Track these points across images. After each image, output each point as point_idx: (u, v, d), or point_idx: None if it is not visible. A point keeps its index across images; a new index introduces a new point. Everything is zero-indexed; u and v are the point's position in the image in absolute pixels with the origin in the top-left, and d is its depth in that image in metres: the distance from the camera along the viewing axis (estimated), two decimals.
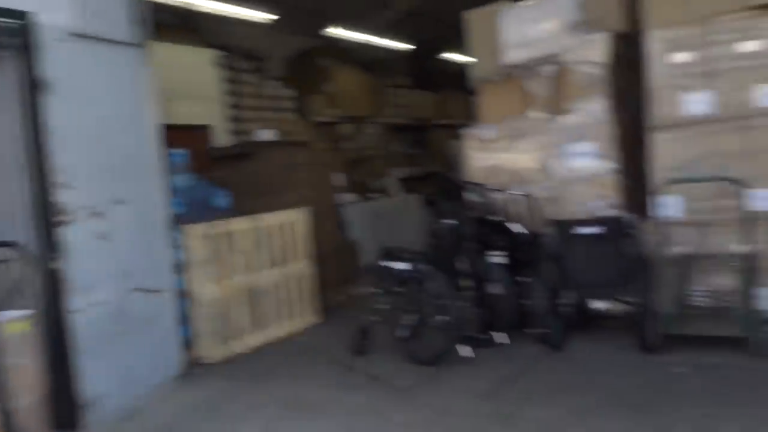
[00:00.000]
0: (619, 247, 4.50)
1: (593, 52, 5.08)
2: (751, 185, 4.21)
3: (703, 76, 4.51)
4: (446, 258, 4.87)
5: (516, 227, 5.09)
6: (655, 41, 4.66)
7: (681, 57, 4.58)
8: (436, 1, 9.98)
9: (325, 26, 9.38)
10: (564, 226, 4.73)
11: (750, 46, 4.36)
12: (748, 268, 4.09)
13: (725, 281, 4.33)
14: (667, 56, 4.62)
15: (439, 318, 4.43)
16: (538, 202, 5.22)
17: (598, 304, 4.77)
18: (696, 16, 4.50)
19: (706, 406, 3.45)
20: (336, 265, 6.61)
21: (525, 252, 4.98)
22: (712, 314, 4.27)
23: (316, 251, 6.07)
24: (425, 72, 12.25)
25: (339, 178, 7.44)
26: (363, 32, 10.00)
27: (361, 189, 8.93)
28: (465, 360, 4.44)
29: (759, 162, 4.32)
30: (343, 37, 9.84)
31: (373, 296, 4.85)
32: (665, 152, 4.68)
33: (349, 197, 7.83)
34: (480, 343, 4.68)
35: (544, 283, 4.63)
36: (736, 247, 4.23)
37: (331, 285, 6.40)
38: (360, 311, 5.08)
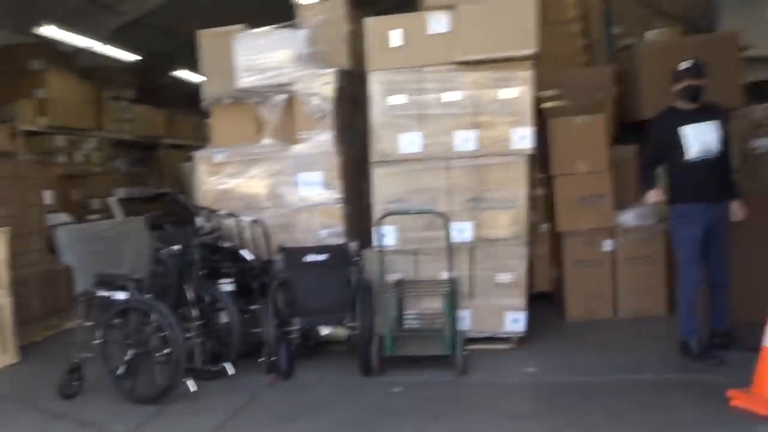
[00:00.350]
0: (344, 274, 4.71)
1: (322, 85, 5.28)
2: (452, 218, 4.73)
3: (415, 118, 4.95)
4: (172, 286, 4.60)
5: (246, 254, 5.02)
6: (375, 82, 5.01)
7: (397, 99, 4.98)
8: (169, 13, 9.52)
9: (38, 23, 8.31)
10: (292, 253, 4.81)
11: (452, 96, 4.91)
12: (451, 292, 4.57)
13: (434, 305, 4.79)
14: (386, 97, 4.99)
15: (162, 351, 4.14)
16: (269, 229, 5.22)
17: (326, 330, 4.92)
18: (410, 64, 4.93)
19: (419, 420, 3.74)
20: (42, 294, 5.83)
21: (255, 279, 4.94)
22: (424, 336, 4.66)
23: (15, 278, 5.28)
24: (156, 87, 11.57)
25: (49, 196, 6.61)
26: (84, 36, 9.08)
27: (78, 209, 8.05)
28: (192, 395, 4.21)
29: (456, 198, 4.88)
30: (59, 39, 8.83)
31: (86, 329, 4.37)
32: (383, 186, 5.04)
33: (62, 217, 6.99)
34: (208, 375, 4.49)
35: (273, 311, 4.63)
36: (442, 273, 4.71)
37: (35, 318, 5.62)
38: (71, 347, 4.53)
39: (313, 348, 4.95)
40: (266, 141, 5.51)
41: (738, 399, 3.54)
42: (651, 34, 6.53)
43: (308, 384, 4.46)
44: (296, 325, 4.69)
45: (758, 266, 4.52)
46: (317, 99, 5.28)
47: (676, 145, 4.25)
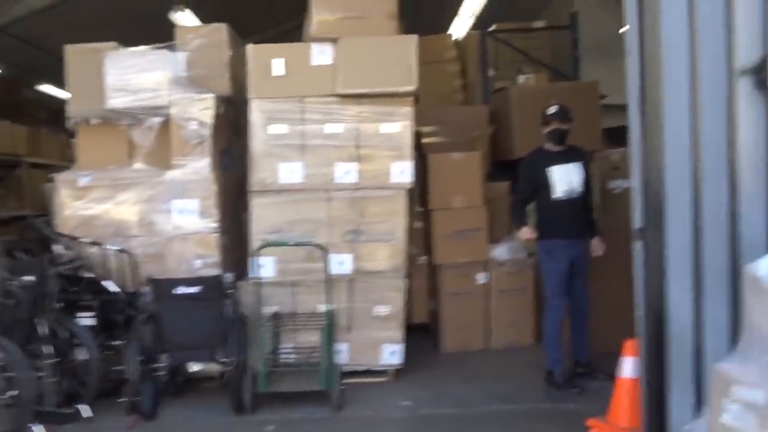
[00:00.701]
0: (217, 307, 4.47)
1: (200, 110, 5.06)
2: (332, 250, 4.65)
3: (297, 148, 4.86)
4: (22, 320, 4.17)
5: (110, 285, 4.66)
6: (257, 110, 4.87)
7: (279, 128, 4.86)
8: (36, 24, 8.83)
9: None
10: (162, 285, 4.51)
11: (335, 128, 4.87)
12: (329, 325, 4.47)
13: (311, 338, 4.66)
14: (268, 126, 4.87)
15: (6, 394, 3.71)
16: (137, 259, 4.88)
17: (196, 366, 4.63)
18: (293, 93, 4.85)
19: None
20: None
21: (119, 312, 4.58)
22: (300, 371, 4.51)
23: None
24: (17, 102, 10.65)
25: None
26: None
27: None
28: None
29: (336, 230, 4.82)
30: None
31: None
32: (262, 215, 4.88)
33: None
34: (61, 418, 4.07)
35: (138, 347, 4.30)
36: (320, 306, 4.61)
37: None
38: None
39: (181, 385, 4.65)
40: (138, 165, 5.19)
41: (596, 427, 3.68)
42: (522, 79, 6.91)
43: (173, 425, 4.17)
44: (163, 362, 4.38)
45: (615, 298, 4.78)
46: (195, 124, 5.05)
47: (544, 184, 4.46)
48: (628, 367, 3.58)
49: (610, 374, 4.17)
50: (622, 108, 7.80)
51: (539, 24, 8.14)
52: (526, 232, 4.54)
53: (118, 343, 4.49)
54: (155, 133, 5.20)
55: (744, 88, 2.64)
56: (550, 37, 7.93)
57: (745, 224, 2.53)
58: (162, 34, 5.34)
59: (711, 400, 2.03)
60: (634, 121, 2.95)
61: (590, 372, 4.54)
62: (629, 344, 3.59)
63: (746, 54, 2.61)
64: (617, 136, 7.33)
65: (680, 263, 2.52)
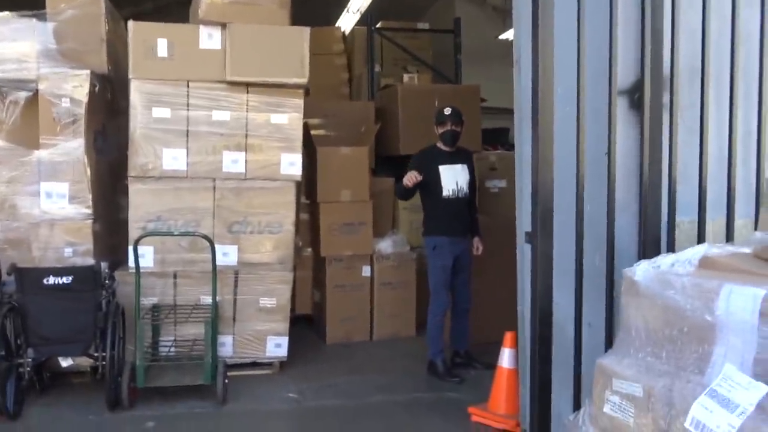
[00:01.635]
0: (91, 298, 4.17)
1: (73, 87, 4.66)
2: (217, 241, 4.49)
3: (181, 134, 4.62)
4: None
5: None
6: (138, 91, 4.58)
7: (163, 112, 4.60)
8: None
9: None
10: (29, 274, 4.12)
11: (222, 115, 4.70)
12: (213, 318, 4.32)
13: (194, 331, 4.49)
14: (151, 108, 4.59)
15: None
16: None
17: (68, 362, 4.30)
18: (179, 76, 4.62)
19: None
20: None
21: None
22: (182, 364, 4.32)
23: None
24: None
25: None
26: None
27: None
28: None
29: (222, 221, 4.67)
30: None
31: None
32: (142, 202, 4.61)
33: None
34: None
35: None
36: (204, 298, 4.45)
37: None
38: None
39: (48, 382, 4.30)
40: (0, 143, 4.70)
41: (477, 415, 3.90)
42: (407, 77, 7.05)
43: (42, 424, 3.87)
44: (29, 357, 4.03)
45: (493, 293, 5.05)
46: (67, 101, 4.64)
47: (434, 182, 4.60)
48: (507, 357, 3.82)
49: (487, 364, 4.44)
50: (496, 111, 8.26)
51: (423, 26, 8.36)
52: (411, 175, 4.43)
53: None
54: (20, 109, 4.73)
55: (621, 106, 2.90)
56: (432, 38, 8.16)
57: (618, 230, 2.79)
58: (30, 1, 4.86)
59: (593, 393, 2.21)
60: (524, 130, 3.12)
61: (469, 362, 4.77)
62: (508, 336, 3.83)
63: (624, 76, 2.87)
64: (491, 137, 7.77)
65: (564, 266, 2.72)
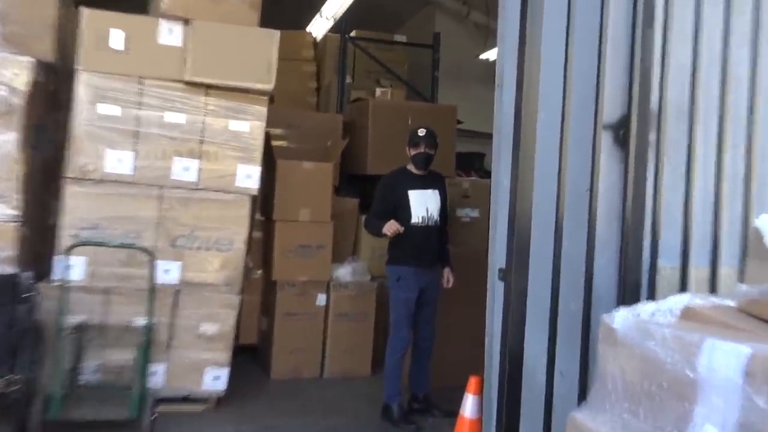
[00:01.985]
0: (8, 312, 4.00)
1: (12, 75, 4.54)
2: (158, 256, 4.40)
3: (129, 135, 4.54)
4: None
5: None
6: (85, 84, 4.49)
7: (111, 109, 4.52)
8: None
9: None
10: None
11: (176, 117, 4.63)
12: (146, 342, 4.20)
13: (122, 356, 4.34)
14: (96, 104, 4.50)
15: None
16: None
17: None
18: (131, 72, 4.55)
19: None
20: None
21: None
22: (105, 395, 4.16)
23: None
24: None
25: None
26: None
27: None
28: None
29: (165, 233, 4.57)
30: None
31: None
32: (77, 207, 4.47)
33: None
34: None
35: None
36: (138, 319, 4.32)
37: None
38: None
39: None
40: None
41: None
42: (379, 92, 7.09)
43: None
44: None
45: (458, 332, 5.05)
46: (4, 90, 4.52)
47: (402, 207, 4.60)
48: (470, 405, 3.77)
49: (447, 411, 4.39)
50: (472, 134, 8.33)
51: (401, 38, 8.44)
52: (393, 225, 4.48)
53: None
54: None
55: (606, 141, 2.94)
56: (409, 52, 8.23)
57: (597, 271, 2.80)
58: None
59: None
60: (503, 156, 3.14)
61: (428, 408, 4.72)
62: (473, 381, 3.79)
63: (610, 110, 2.92)
64: (465, 162, 7.83)
65: (538, 307, 2.72)
